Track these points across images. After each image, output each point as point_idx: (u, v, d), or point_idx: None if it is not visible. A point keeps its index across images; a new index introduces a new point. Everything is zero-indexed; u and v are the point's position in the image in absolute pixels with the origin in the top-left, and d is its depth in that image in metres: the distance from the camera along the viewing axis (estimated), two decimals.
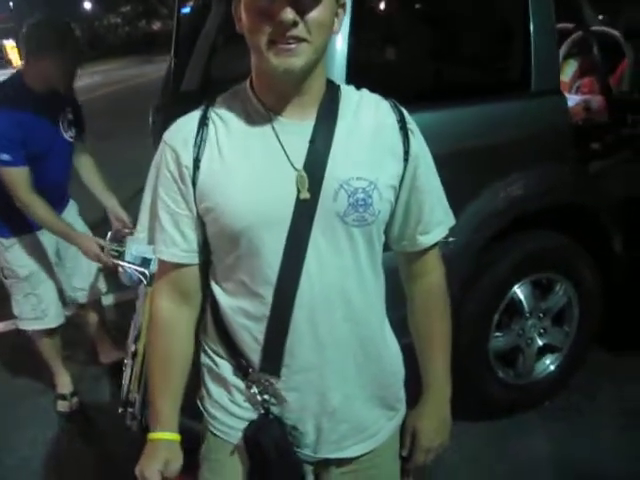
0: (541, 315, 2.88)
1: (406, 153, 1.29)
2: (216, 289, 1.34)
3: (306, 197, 1.20)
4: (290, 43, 1.12)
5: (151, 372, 1.41)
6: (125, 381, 2.87)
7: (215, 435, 1.43)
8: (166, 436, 1.38)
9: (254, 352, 1.30)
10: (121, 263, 2.83)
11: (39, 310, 3.28)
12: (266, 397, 1.32)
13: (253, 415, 1.35)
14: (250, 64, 1.25)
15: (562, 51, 3.58)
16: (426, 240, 1.38)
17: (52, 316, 3.31)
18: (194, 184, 1.24)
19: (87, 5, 51.35)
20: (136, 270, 2.82)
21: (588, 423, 2.89)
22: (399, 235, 1.38)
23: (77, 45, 3.00)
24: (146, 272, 2.79)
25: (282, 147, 1.22)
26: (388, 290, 1.41)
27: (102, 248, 2.99)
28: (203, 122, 1.26)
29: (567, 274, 2.86)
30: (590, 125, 3.07)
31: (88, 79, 19.99)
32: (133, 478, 1.38)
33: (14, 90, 2.95)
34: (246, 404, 1.36)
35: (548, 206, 2.74)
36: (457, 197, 2.44)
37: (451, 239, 2.42)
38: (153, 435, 1.38)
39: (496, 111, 2.61)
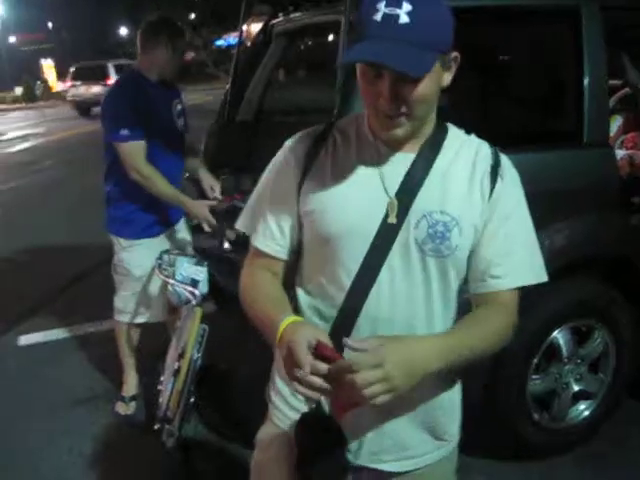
0: (578, 361, 2.93)
1: (490, 195, 1.36)
2: (299, 290, 1.47)
3: (393, 222, 1.32)
4: (392, 117, 1.26)
5: (253, 309, 1.43)
6: (164, 398, 2.95)
7: (274, 422, 1.55)
8: (291, 319, 1.32)
9: None
10: (171, 282, 2.94)
11: (143, 305, 3.44)
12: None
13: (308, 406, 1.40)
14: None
15: None
16: (496, 283, 1.36)
17: (154, 312, 3.46)
18: (300, 188, 1.40)
19: (123, 31, 52.50)
20: (185, 289, 2.93)
21: (616, 471, 2.91)
22: (471, 275, 1.40)
23: (184, 42, 3.37)
24: (195, 292, 2.90)
25: (380, 174, 1.35)
26: None
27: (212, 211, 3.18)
28: (322, 137, 1.42)
29: (606, 322, 2.92)
30: (634, 179, 3.15)
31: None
32: None
33: (132, 78, 3.28)
34: (302, 399, 1.39)
35: (592, 256, 2.82)
36: None
37: None
38: (281, 328, 1.30)
39: (549, 160, 2.70)
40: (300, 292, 1.47)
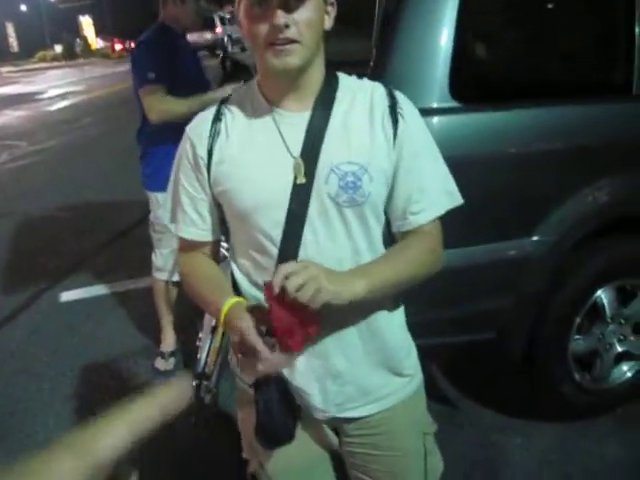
0: (622, 322, 2.86)
1: (394, 136, 1.38)
2: (233, 265, 1.51)
3: (302, 182, 1.35)
4: (285, 44, 1.27)
5: (196, 294, 1.52)
6: (202, 355, 2.97)
7: (238, 385, 1.63)
8: (231, 301, 1.38)
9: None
10: None
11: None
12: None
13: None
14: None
15: None
16: (417, 219, 1.43)
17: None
18: (209, 171, 1.43)
19: None
20: (222, 247, 2.92)
21: None
22: (391, 216, 1.46)
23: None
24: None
25: (282, 137, 1.38)
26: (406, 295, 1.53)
27: None
28: (217, 117, 1.44)
29: None
30: None
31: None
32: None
33: (158, 31, 3.34)
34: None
35: (638, 213, 2.73)
36: (551, 196, 2.49)
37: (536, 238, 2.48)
38: (225, 309, 1.37)
39: (594, 113, 2.60)
40: (234, 267, 1.50)
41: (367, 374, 1.49)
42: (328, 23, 1.36)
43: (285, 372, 1.45)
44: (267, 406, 1.42)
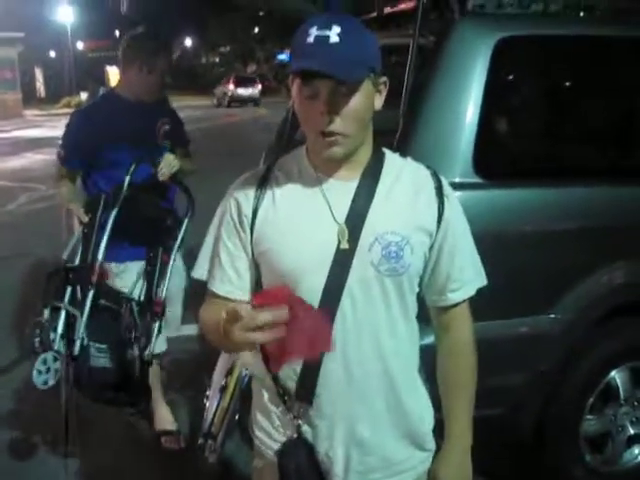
0: (635, 403, 2.84)
1: (440, 217, 1.44)
2: None
3: (345, 247, 1.38)
4: (331, 136, 1.32)
5: (208, 332, 1.46)
6: (209, 414, 2.95)
7: (260, 454, 1.59)
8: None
9: (292, 381, 1.45)
10: None
11: None
12: (300, 422, 1.46)
13: (289, 435, 1.48)
14: None
15: None
16: (454, 297, 1.51)
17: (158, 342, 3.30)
18: (252, 231, 1.44)
19: (188, 42, 53.55)
20: None
21: None
22: (429, 290, 1.53)
23: (167, 60, 3.23)
24: None
25: (328, 203, 1.41)
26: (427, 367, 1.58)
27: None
28: (264, 179, 1.47)
29: None
30: None
31: (189, 112, 20.79)
32: None
33: (104, 99, 3.27)
34: (282, 429, 1.50)
35: None
36: (569, 275, 2.51)
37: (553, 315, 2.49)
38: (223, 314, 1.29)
39: (613, 195, 2.65)
40: None
41: (391, 445, 1.50)
42: (379, 103, 1.40)
43: (310, 436, 1.46)
44: (298, 471, 1.43)
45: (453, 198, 1.49)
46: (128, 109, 3.13)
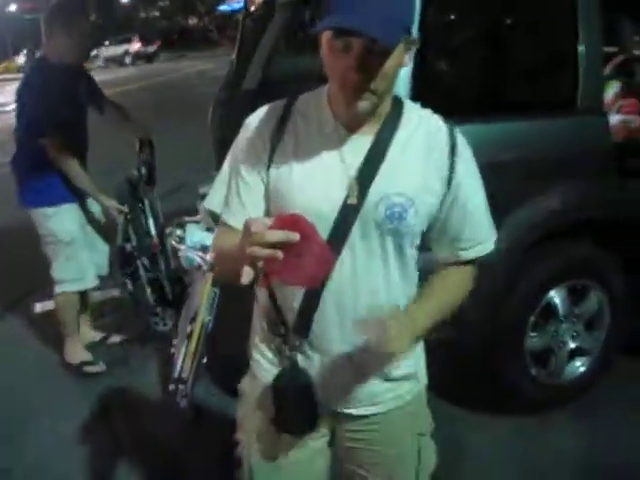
0: (574, 320, 3.06)
1: (449, 179, 1.45)
2: None
3: (353, 202, 1.40)
4: (358, 91, 1.31)
5: (220, 252, 1.54)
6: (177, 360, 3.08)
7: (254, 374, 1.67)
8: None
9: (291, 317, 1.51)
10: (182, 247, 3.07)
11: (79, 272, 3.60)
12: (295, 353, 1.52)
13: (285, 364, 1.55)
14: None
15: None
16: (466, 255, 1.53)
17: (90, 278, 3.66)
18: (269, 166, 1.45)
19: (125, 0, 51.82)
20: (196, 255, 3.05)
21: (609, 427, 3.01)
22: (438, 248, 1.56)
23: (86, 26, 3.49)
24: (206, 257, 3.02)
25: (342, 157, 1.42)
26: None
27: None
28: (283, 119, 1.46)
29: (601, 282, 3.05)
30: (629, 143, 3.23)
31: (123, 70, 20.39)
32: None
33: (41, 70, 3.41)
34: (280, 357, 1.56)
35: (585, 219, 2.93)
36: (504, 205, 2.67)
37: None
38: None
39: (543, 127, 2.81)
40: None
41: (377, 383, 1.57)
42: (407, 60, 1.36)
43: (304, 366, 1.53)
44: (293, 396, 1.51)
45: (466, 158, 1.48)
46: (61, 73, 3.34)
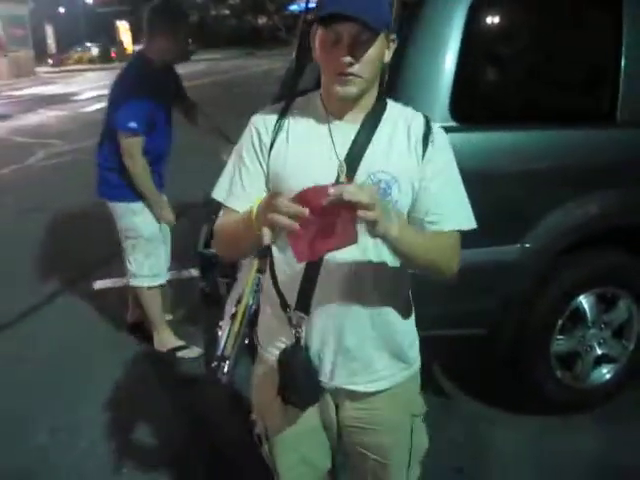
0: (602, 326, 3.15)
1: (422, 158, 1.61)
2: (274, 247, 1.71)
3: (343, 181, 1.56)
4: (346, 75, 1.52)
5: (225, 234, 1.70)
6: (222, 339, 3.27)
7: (262, 358, 1.86)
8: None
9: (293, 296, 1.68)
10: None
11: (156, 268, 3.77)
12: (298, 330, 1.68)
13: (288, 342, 1.71)
14: None
15: None
16: (432, 227, 1.62)
17: (165, 274, 3.84)
18: (269, 157, 1.66)
19: None
20: None
21: (632, 433, 3.08)
22: (413, 224, 1.64)
23: (187, 28, 3.65)
24: None
25: (332, 141, 1.62)
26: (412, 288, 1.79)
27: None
28: (283, 115, 1.69)
29: (631, 291, 3.12)
30: None
31: (192, 66, 20.77)
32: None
33: (141, 66, 3.54)
34: (283, 337, 1.73)
35: (617, 227, 3.02)
36: (540, 209, 2.78)
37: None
38: (254, 208, 1.50)
39: (583, 137, 2.92)
40: (274, 249, 1.72)
41: (374, 356, 1.72)
42: (388, 57, 1.60)
43: (305, 341, 1.69)
44: (296, 372, 1.68)
45: (439, 144, 1.64)
46: (157, 72, 3.50)
